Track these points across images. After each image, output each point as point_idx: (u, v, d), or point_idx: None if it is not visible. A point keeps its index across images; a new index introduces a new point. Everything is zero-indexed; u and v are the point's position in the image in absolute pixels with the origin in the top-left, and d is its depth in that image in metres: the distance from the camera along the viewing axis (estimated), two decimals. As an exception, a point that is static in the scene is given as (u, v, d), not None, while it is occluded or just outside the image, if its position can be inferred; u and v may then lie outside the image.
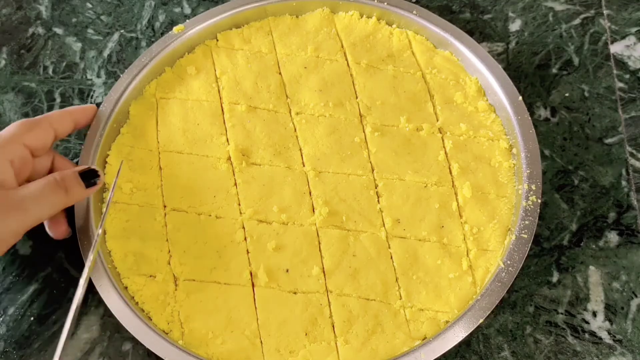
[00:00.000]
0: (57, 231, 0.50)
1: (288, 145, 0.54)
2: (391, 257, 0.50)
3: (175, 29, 0.59)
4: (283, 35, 0.60)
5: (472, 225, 0.50)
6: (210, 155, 0.54)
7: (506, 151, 0.53)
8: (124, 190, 0.52)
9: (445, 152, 0.53)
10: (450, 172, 0.53)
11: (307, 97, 0.56)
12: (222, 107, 0.56)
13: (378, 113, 0.55)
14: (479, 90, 0.56)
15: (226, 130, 0.55)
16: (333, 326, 0.47)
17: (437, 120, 0.55)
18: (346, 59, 0.58)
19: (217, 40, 0.60)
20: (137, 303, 0.48)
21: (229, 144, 0.54)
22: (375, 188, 0.52)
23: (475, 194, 0.51)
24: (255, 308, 0.48)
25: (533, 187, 0.50)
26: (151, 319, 0.47)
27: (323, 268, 0.49)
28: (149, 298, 0.48)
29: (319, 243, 0.50)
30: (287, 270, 0.49)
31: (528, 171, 0.51)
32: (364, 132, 0.54)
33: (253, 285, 0.49)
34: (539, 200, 0.50)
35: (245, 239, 0.50)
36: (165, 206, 0.52)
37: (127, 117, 0.56)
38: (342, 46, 0.59)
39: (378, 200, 0.52)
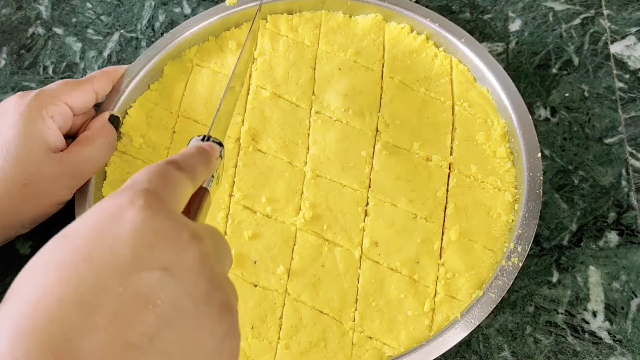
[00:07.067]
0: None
1: (297, 141, 0.54)
2: (358, 278, 0.49)
3: (228, 1, 0.60)
4: (330, 31, 0.59)
5: (448, 269, 0.49)
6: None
7: (509, 205, 0.51)
8: (134, 143, 0.54)
9: (447, 189, 0.52)
10: (445, 211, 0.51)
11: (331, 99, 0.56)
12: (249, 87, 0.57)
13: (394, 132, 0.54)
14: (503, 135, 0.54)
15: (245, 111, 0.56)
16: (280, 328, 0.48)
17: (451, 155, 0.53)
18: (382, 71, 0.57)
19: (267, 21, 0.60)
20: None
21: (243, 125, 0.55)
22: (365, 206, 0.51)
23: (461, 239, 0.50)
24: None
25: (519, 249, 0.48)
26: None
27: (289, 269, 0.49)
28: None
29: (294, 244, 0.50)
30: (255, 262, 0.49)
31: (519, 231, 0.49)
32: (373, 147, 0.54)
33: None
34: (520, 264, 0.48)
35: (227, 220, 0.51)
36: None
37: (160, 75, 0.58)
38: (383, 56, 0.58)
39: (364, 219, 0.51)
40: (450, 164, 0.53)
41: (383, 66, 0.57)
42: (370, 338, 0.47)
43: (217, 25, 0.59)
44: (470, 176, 0.52)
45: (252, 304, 0.48)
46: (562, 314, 0.49)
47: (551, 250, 0.51)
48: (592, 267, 0.50)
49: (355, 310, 0.48)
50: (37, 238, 0.53)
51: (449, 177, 0.52)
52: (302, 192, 0.52)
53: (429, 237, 0.50)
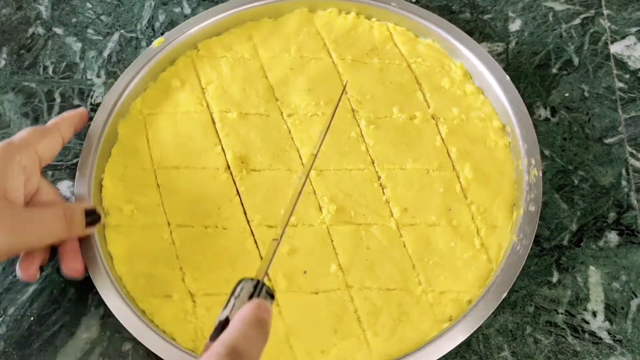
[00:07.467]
0: (71, 270, 0.48)
1: (285, 147, 0.54)
2: (404, 246, 0.50)
3: (155, 42, 0.58)
4: (264, 39, 0.59)
5: (478, 204, 0.51)
6: (207, 167, 0.53)
7: (500, 130, 0.55)
8: (124, 212, 0.51)
9: (442, 138, 0.54)
10: (449, 156, 0.54)
11: (297, 98, 0.56)
12: (212, 117, 0.55)
13: (370, 106, 0.56)
14: (465, 74, 0.57)
15: (220, 140, 0.54)
16: (359, 320, 0.47)
17: (429, 108, 0.56)
18: (331, 57, 0.59)
19: (198, 50, 0.59)
20: (157, 326, 0.47)
21: (225, 154, 0.53)
22: (379, 180, 0.53)
23: (476, 174, 0.52)
24: (280, 313, 0.47)
25: (532, 160, 0.52)
26: (175, 340, 0.46)
27: (340, 265, 0.49)
28: (169, 319, 0.47)
29: (332, 241, 0.50)
30: (305, 272, 0.49)
31: (526, 146, 0.52)
32: (359, 126, 0.55)
33: (273, 291, 0.48)
34: (540, 173, 0.51)
35: (257, 246, 0.50)
36: (169, 223, 0.51)
37: (117, 137, 0.55)
38: (325, 44, 0.59)
39: (383, 192, 0.52)
40: (432, 115, 0.55)
41: (329, 52, 0.59)
42: (443, 292, 0.48)
43: (152, 69, 0.57)
44: (455, 118, 0.55)
45: (323, 310, 0.48)
46: (562, 314, 0.49)
47: (551, 250, 0.51)
48: (592, 267, 0.50)
49: (418, 274, 0.49)
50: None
51: (437, 127, 0.55)
52: (315, 192, 0.52)
53: (448, 184, 0.52)
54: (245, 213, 0.51)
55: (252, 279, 0.37)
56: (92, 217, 0.48)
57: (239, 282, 0.37)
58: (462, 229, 0.51)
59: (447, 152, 0.54)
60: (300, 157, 0.54)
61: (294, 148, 0.54)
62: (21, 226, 0.44)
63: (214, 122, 0.55)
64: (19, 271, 0.47)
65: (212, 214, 0.51)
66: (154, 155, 0.54)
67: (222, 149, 0.54)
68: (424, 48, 0.59)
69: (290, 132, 0.55)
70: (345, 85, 0.54)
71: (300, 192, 0.44)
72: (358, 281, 0.49)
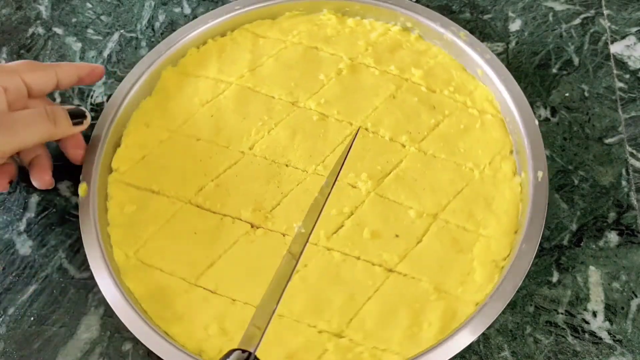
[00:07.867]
0: (41, 180, 0.52)
1: (277, 172, 0.53)
2: (435, 156, 0.54)
3: (81, 193, 0.52)
4: (160, 116, 0.57)
5: (447, 88, 0.57)
6: (238, 240, 0.50)
7: (402, 31, 0.61)
8: (210, 332, 0.47)
9: (375, 68, 0.58)
10: (394, 75, 0.58)
11: (243, 131, 0.55)
12: (192, 204, 0.52)
13: (301, 91, 0.57)
14: (335, 15, 0.62)
15: (221, 213, 0.52)
16: (466, 230, 0.50)
17: (343, 57, 0.59)
18: (231, 83, 0.58)
19: (116, 170, 0.54)
20: None
21: (238, 219, 0.51)
22: (368, 131, 0.55)
23: (422, 71, 0.58)
24: (414, 278, 0.49)
25: (453, 29, 0.59)
26: None
27: (413, 208, 0.51)
28: None
29: (388, 199, 0.52)
30: (397, 236, 0.50)
31: (439, 23, 0.59)
32: (312, 109, 0.56)
33: (391, 270, 0.49)
34: (467, 32, 0.58)
35: (343, 253, 0.50)
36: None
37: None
38: (215, 78, 0.58)
39: (380, 136, 0.55)
40: (351, 59, 0.59)
41: (226, 81, 0.58)
42: (491, 161, 0.53)
43: (100, 219, 0.51)
44: (367, 48, 0.59)
45: (437, 248, 0.50)
46: (562, 314, 0.49)
47: (551, 250, 0.51)
48: (592, 267, 0.50)
49: (464, 165, 0.53)
50: (37, 238, 0.53)
51: (364, 64, 0.59)
52: (338, 177, 0.50)
53: (414, 92, 0.57)
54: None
55: (242, 351, 0.34)
56: (78, 118, 0.51)
57: (228, 353, 0.34)
58: (456, 111, 0.56)
59: (389, 73, 0.58)
60: (296, 167, 0.53)
61: (283, 167, 0.53)
62: (9, 125, 0.47)
63: (199, 206, 0.52)
64: (35, 182, 0.52)
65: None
66: (180, 272, 0.49)
67: (231, 217, 0.51)
68: (286, 22, 0.62)
69: (266, 158, 0.54)
70: (357, 132, 0.54)
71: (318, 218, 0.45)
72: (437, 206, 0.51)
